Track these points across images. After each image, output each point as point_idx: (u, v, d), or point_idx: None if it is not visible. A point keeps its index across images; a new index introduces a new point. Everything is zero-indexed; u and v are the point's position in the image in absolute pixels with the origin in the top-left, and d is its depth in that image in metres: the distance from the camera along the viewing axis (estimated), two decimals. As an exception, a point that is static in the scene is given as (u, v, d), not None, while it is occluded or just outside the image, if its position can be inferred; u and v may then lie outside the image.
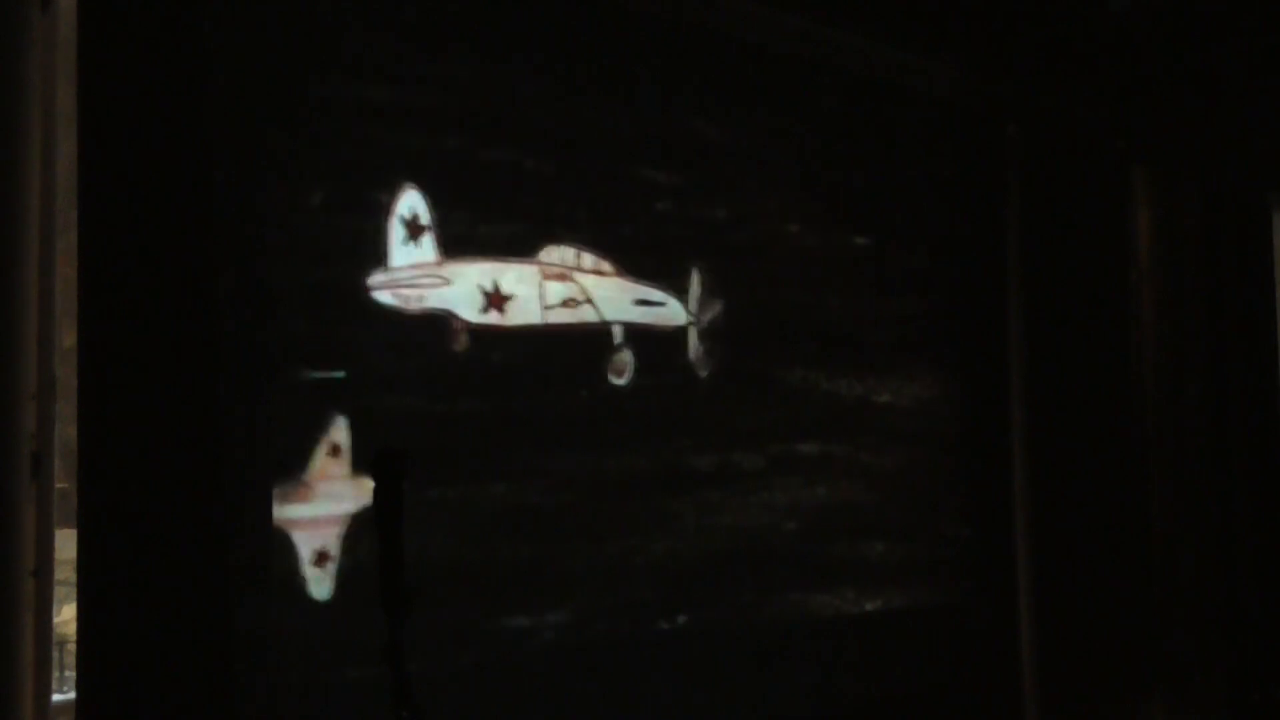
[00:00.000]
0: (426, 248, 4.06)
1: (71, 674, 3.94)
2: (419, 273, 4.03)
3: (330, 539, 3.75)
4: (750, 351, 4.99)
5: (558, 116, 4.45)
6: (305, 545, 3.72)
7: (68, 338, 3.66)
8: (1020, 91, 6.13)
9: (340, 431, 3.80)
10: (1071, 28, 5.44)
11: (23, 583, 3.45)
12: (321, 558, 3.74)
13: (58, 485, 3.58)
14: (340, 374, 3.79)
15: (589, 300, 4.48)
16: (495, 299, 4.22)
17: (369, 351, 3.92)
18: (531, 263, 4.34)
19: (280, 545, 3.67)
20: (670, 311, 4.76)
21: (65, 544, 3.59)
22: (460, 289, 4.14)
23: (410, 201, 4.03)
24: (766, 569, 4.98)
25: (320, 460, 3.77)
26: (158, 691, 3.48)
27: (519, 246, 4.31)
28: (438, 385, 4.08)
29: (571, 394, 4.44)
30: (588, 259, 4.50)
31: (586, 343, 4.49)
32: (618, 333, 4.57)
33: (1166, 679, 6.40)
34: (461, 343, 4.13)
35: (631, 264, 4.62)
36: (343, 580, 3.78)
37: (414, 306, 4.02)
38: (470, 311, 4.16)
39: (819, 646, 5.13)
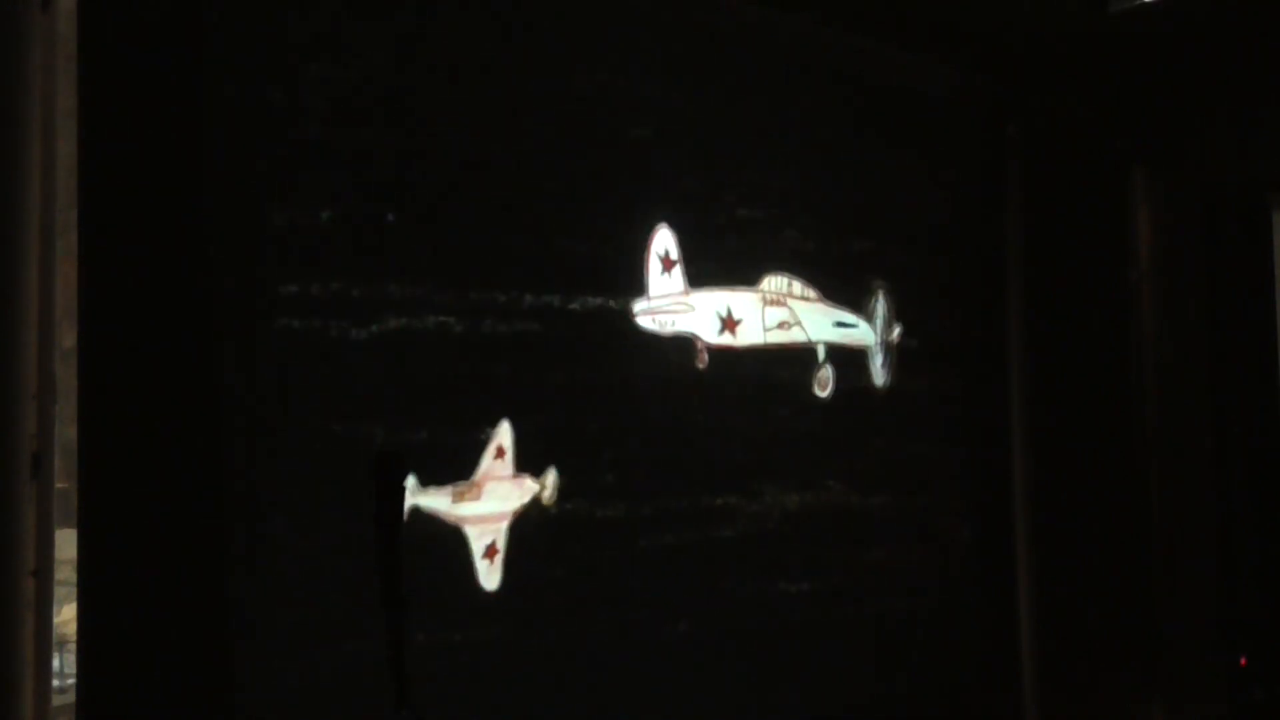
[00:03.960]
0: (677, 279, 4.64)
1: (72, 674, 3.95)
2: (672, 300, 4.65)
3: (498, 534, 4.15)
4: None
5: (775, 166, 5.12)
6: (476, 540, 4.10)
7: (68, 338, 3.66)
8: (1020, 91, 6.12)
9: (505, 435, 4.16)
10: (1071, 28, 5.44)
11: (23, 583, 3.45)
12: (490, 551, 4.12)
13: (58, 485, 3.58)
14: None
15: (798, 323, 5.13)
16: (729, 323, 4.88)
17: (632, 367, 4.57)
18: (755, 290, 4.97)
19: (454, 540, 4.04)
20: (861, 333, 5.40)
21: (65, 544, 3.59)
22: (702, 315, 4.77)
23: (663, 239, 4.64)
24: (764, 568, 4.99)
25: (488, 462, 4.12)
26: (158, 691, 3.48)
27: (744, 276, 4.95)
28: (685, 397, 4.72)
29: (785, 405, 5.08)
30: (797, 286, 5.12)
31: (797, 360, 5.13)
32: (820, 351, 5.20)
33: (1166, 679, 6.40)
34: (704, 361, 4.73)
35: (829, 290, 5.29)
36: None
37: (667, 330, 4.64)
38: (710, 334, 4.79)
39: (819, 647, 5.13)
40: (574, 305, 4.37)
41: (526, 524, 4.20)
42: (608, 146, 4.54)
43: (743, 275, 4.94)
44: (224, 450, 3.60)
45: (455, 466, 4.05)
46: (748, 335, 4.94)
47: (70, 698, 3.63)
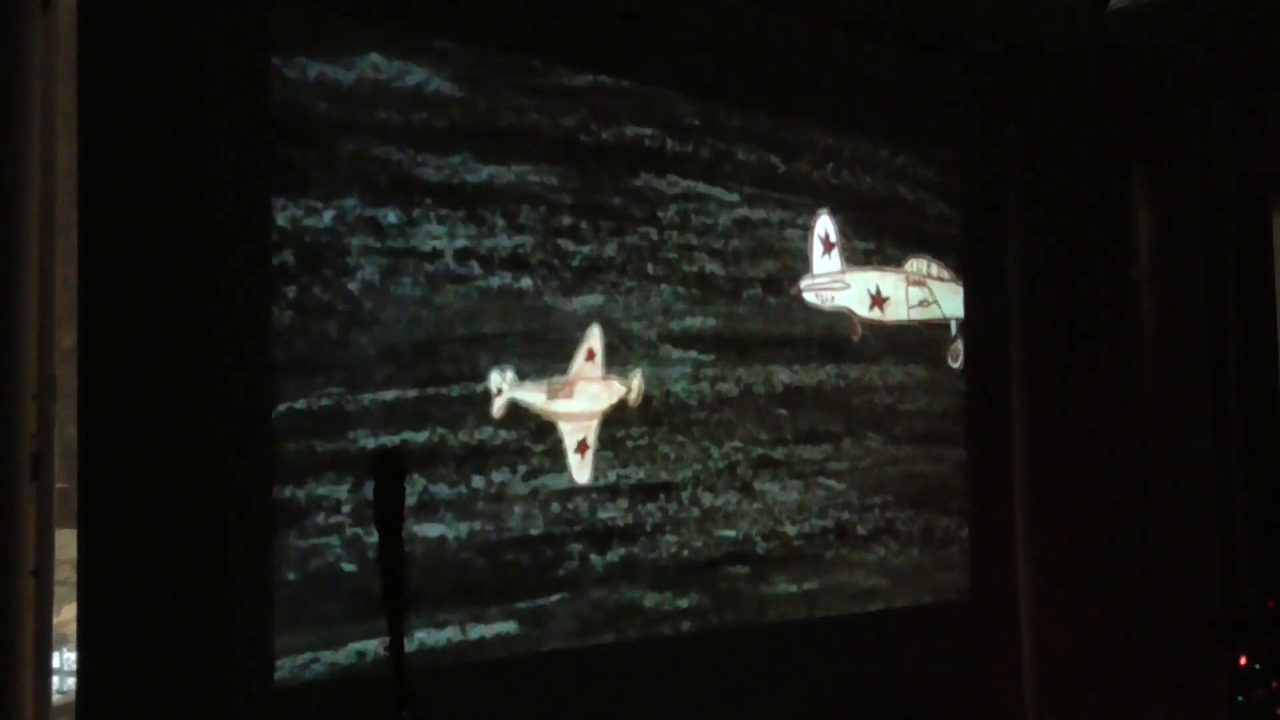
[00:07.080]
0: (835, 259, 5.17)
1: (72, 674, 3.95)
2: (830, 278, 5.20)
3: (590, 431, 4.44)
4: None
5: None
6: (569, 436, 4.39)
7: (68, 338, 3.66)
8: (1020, 91, 6.12)
9: (595, 339, 4.44)
10: (1072, 28, 5.44)
11: (23, 583, 3.45)
12: (582, 446, 4.41)
13: (58, 485, 3.59)
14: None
15: (936, 301, 5.67)
16: (878, 300, 5.43)
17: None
18: (900, 271, 5.47)
19: (549, 434, 4.34)
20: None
21: (65, 544, 3.60)
22: (856, 292, 5.32)
23: (824, 223, 5.18)
24: (764, 568, 4.99)
25: (579, 364, 4.42)
26: (158, 691, 3.48)
27: (891, 258, 5.52)
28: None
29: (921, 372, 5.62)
30: (935, 268, 5.69)
31: (935, 334, 5.69)
32: (953, 327, 5.74)
33: (1166, 679, 6.40)
34: (858, 334, 5.29)
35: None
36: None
37: (827, 305, 5.22)
38: (862, 309, 5.35)
39: (820, 646, 5.13)
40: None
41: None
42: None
43: (890, 258, 5.49)
44: (223, 450, 3.60)
45: (551, 365, 4.34)
46: (894, 311, 5.45)
47: (70, 697, 3.63)
